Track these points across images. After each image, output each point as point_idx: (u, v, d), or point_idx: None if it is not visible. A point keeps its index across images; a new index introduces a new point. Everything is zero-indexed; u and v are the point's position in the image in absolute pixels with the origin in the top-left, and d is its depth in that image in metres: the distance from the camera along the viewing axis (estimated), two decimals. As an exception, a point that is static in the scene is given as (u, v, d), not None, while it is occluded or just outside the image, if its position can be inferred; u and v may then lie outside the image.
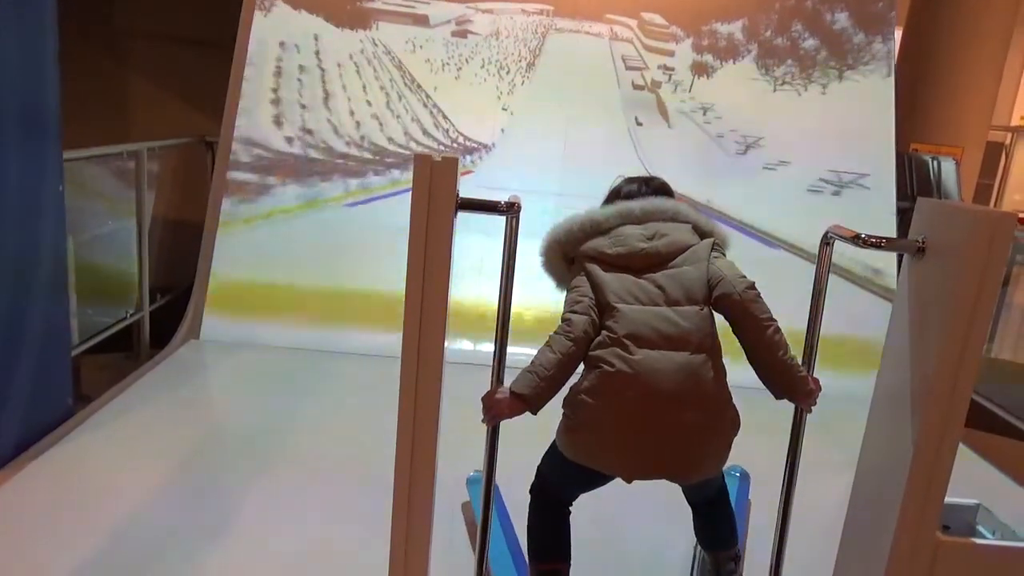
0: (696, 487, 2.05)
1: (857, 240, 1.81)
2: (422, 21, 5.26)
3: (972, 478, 3.32)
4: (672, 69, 5.33)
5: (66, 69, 3.11)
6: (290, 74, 5.08)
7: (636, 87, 5.31)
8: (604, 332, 1.81)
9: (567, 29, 5.35)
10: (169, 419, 3.42)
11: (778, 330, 1.82)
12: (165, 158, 5.14)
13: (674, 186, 2.10)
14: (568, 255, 1.96)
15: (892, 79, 5.36)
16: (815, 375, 1.95)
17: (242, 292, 4.63)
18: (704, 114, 5.27)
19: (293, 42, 5.11)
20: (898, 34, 5.98)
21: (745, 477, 2.91)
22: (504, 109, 5.19)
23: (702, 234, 1.95)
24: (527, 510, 2.05)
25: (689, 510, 2.15)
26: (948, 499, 1.77)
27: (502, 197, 1.75)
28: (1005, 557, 1.78)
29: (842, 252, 4.83)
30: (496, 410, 1.79)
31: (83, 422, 3.23)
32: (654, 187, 2.04)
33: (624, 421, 1.79)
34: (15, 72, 2.79)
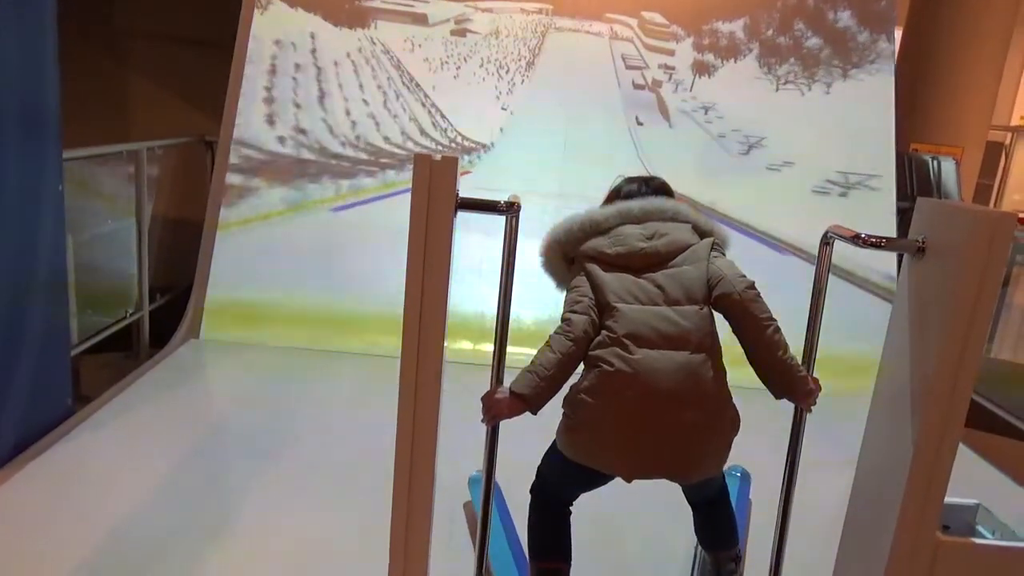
0: (696, 487, 2.05)
1: (857, 240, 1.81)
2: (421, 20, 5.25)
3: (972, 478, 3.32)
4: (673, 68, 5.32)
5: (66, 69, 3.11)
6: (285, 72, 5.05)
7: (636, 86, 5.30)
8: (604, 332, 1.81)
9: (567, 28, 5.34)
10: (169, 419, 3.42)
11: (778, 330, 1.82)
12: (165, 158, 5.13)
13: (675, 187, 2.10)
14: (568, 255, 1.96)
15: (892, 78, 5.35)
16: (814, 375, 1.95)
17: (227, 311, 4.58)
18: (705, 113, 5.25)
19: (289, 40, 5.08)
20: (898, 34, 5.98)
21: (746, 477, 2.91)
22: (503, 108, 5.17)
23: (702, 234, 1.95)
24: (527, 510, 2.05)
25: (689, 510, 2.15)
26: (948, 499, 1.77)
27: (501, 197, 1.75)
28: (1005, 557, 1.78)
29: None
30: (496, 410, 1.79)
31: (83, 422, 3.23)
32: (654, 187, 2.05)
33: (624, 421, 1.79)
34: (15, 72, 2.79)
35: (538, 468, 2.05)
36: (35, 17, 2.90)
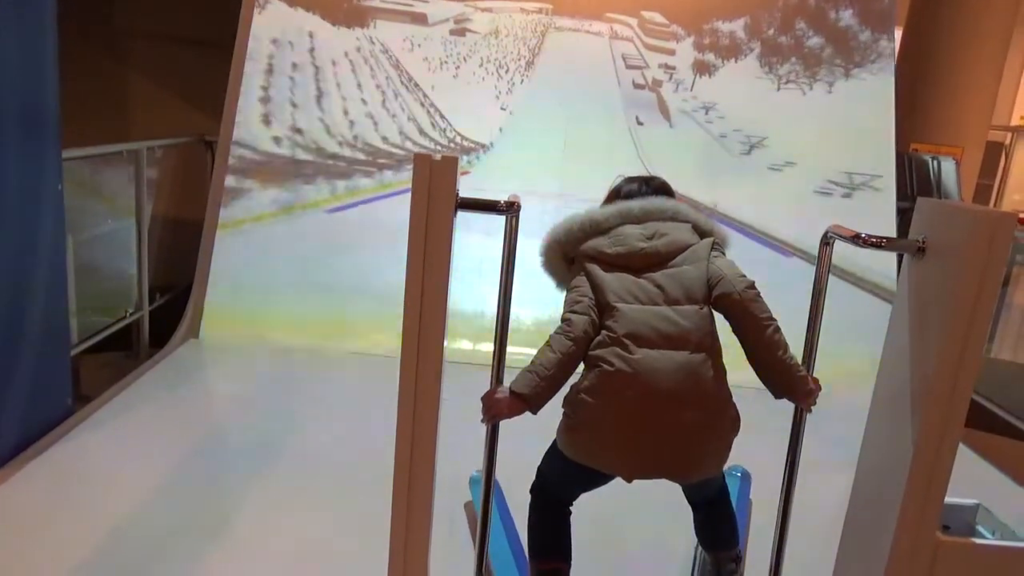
0: (696, 486, 2.05)
1: (857, 240, 1.81)
2: (420, 19, 5.24)
3: (972, 478, 3.32)
4: (673, 68, 5.31)
5: (66, 69, 3.10)
6: (281, 72, 5.02)
7: (637, 86, 5.29)
8: (604, 332, 1.81)
9: (567, 28, 5.34)
10: (169, 418, 3.42)
11: (778, 329, 1.82)
12: (165, 157, 5.13)
13: (676, 187, 2.10)
14: (568, 255, 1.96)
15: (892, 78, 5.34)
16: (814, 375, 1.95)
17: (226, 311, 4.58)
18: (706, 113, 5.24)
19: (287, 39, 5.06)
20: (898, 34, 5.97)
21: (746, 477, 2.91)
22: (503, 108, 5.17)
23: (702, 233, 1.95)
24: (527, 509, 2.05)
25: (689, 510, 2.15)
26: (948, 499, 1.76)
27: (501, 198, 1.75)
28: (1005, 557, 1.78)
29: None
30: (496, 410, 1.79)
31: (82, 421, 3.23)
32: (654, 187, 2.04)
33: (624, 420, 1.79)
34: (15, 72, 2.79)
35: (538, 468, 2.05)
36: (35, 17, 2.90)
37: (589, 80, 5.27)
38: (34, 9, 2.90)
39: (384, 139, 5.05)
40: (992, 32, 6.98)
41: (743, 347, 1.85)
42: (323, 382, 4.01)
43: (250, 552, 2.43)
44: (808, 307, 1.99)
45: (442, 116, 5.13)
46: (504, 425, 1.85)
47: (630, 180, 2.07)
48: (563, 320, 1.83)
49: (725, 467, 2.00)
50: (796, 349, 1.91)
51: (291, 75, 5.04)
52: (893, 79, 5.32)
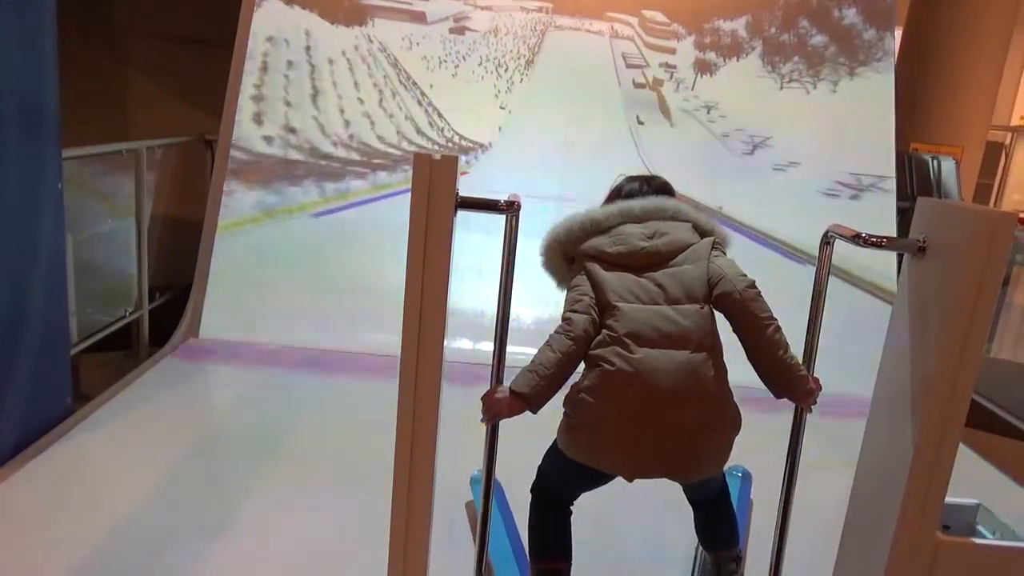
0: (697, 486, 2.05)
1: (858, 239, 1.81)
2: (419, 18, 5.22)
3: (972, 478, 3.32)
4: (674, 67, 5.30)
5: (66, 68, 3.10)
6: (276, 70, 4.98)
7: (637, 85, 5.28)
8: (604, 331, 1.81)
9: (567, 27, 5.33)
10: (168, 418, 3.42)
11: (778, 329, 1.82)
12: (165, 157, 5.13)
13: (678, 187, 2.10)
14: (568, 254, 1.96)
15: (892, 77, 5.33)
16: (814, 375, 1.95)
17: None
18: (708, 113, 5.22)
19: (283, 37, 5.02)
20: (898, 34, 5.97)
21: (747, 477, 2.91)
22: (502, 108, 5.16)
23: (702, 233, 1.95)
24: (528, 509, 2.05)
25: (690, 510, 2.15)
26: (948, 499, 1.76)
27: (500, 198, 1.75)
28: (1005, 557, 1.78)
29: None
30: (496, 409, 1.79)
31: (82, 420, 3.23)
32: (655, 186, 2.04)
33: (625, 420, 1.78)
34: (14, 71, 2.78)
35: (539, 467, 2.05)
36: (35, 16, 2.90)
37: (589, 79, 5.26)
38: (34, 9, 2.89)
39: (380, 139, 5.02)
40: (992, 32, 6.98)
41: (743, 346, 1.85)
42: (323, 382, 4.01)
43: (250, 552, 2.43)
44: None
45: (440, 115, 5.11)
46: (504, 424, 1.85)
47: (631, 179, 2.07)
48: (563, 319, 1.83)
49: (725, 467, 2.00)
50: (796, 350, 1.91)
51: (286, 73, 5.00)
52: (893, 78, 5.31)
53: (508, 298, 1.82)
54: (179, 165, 5.43)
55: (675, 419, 1.78)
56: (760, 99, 5.25)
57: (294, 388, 3.88)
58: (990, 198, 11.12)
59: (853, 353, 3.46)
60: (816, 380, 1.91)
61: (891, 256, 4.59)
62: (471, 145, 5.08)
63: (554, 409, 1.86)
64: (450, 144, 5.05)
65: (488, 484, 1.90)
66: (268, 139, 4.90)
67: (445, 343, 1.63)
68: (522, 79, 5.22)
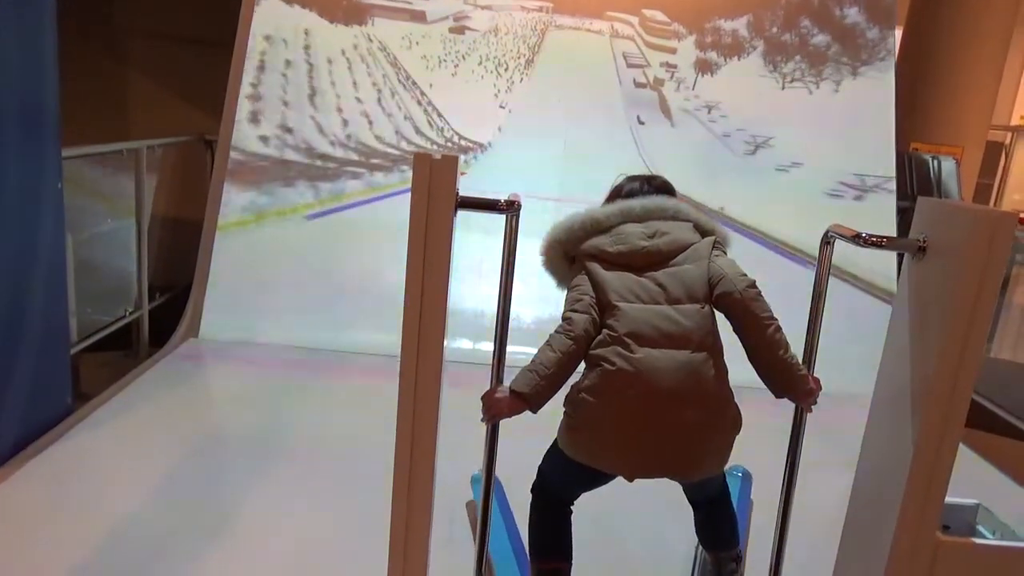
0: (697, 486, 2.05)
1: (858, 239, 1.80)
2: (419, 17, 5.21)
3: (972, 478, 3.31)
4: (675, 67, 5.29)
5: (66, 68, 3.10)
6: (274, 69, 4.96)
7: (638, 85, 5.27)
8: (605, 331, 1.81)
9: (567, 26, 5.32)
10: (168, 417, 3.42)
11: (779, 329, 1.82)
12: (164, 156, 5.13)
13: (679, 188, 2.10)
14: (569, 254, 1.96)
15: (892, 76, 5.32)
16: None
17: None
18: (709, 112, 5.20)
19: (281, 36, 4.99)
20: (898, 34, 5.97)
21: (747, 477, 2.91)
22: (502, 107, 5.14)
23: (703, 232, 1.95)
24: (528, 509, 2.05)
25: (690, 509, 2.15)
26: (948, 499, 1.76)
27: (500, 198, 1.75)
28: (1005, 557, 1.78)
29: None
30: (495, 409, 1.79)
31: (82, 420, 3.23)
32: (656, 185, 2.04)
33: (625, 420, 1.78)
34: (14, 71, 2.78)
35: (539, 467, 2.05)
36: (35, 16, 2.90)
37: (590, 79, 5.25)
38: (34, 9, 2.89)
39: (379, 138, 4.99)
40: (992, 32, 6.98)
41: (744, 346, 1.85)
42: (323, 381, 4.01)
43: (250, 552, 2.43)
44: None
45: (439, 115, 5.09)
46: (504, 424, 1.84)
47: (632, 179, 2.07)
48: (564, 319, 1.83)
49: (726, 467, 2.00)
50: (797, 350, 1.91)
51: (284, 72, 4.97)
52: (892, 76, 5.30)
53: (508, 298, 1.82)
54: (179, 165, 5.43)
55: (676, 419, 1.78)
56: (762, 99, 5.23)
57: (294, 388, 3.88)
58: (990, 198, 11.12)
59: (853, 353, 3.47)
60: (816, 380, 1.91)
61: (891, 256, 4.59)
62: (471, 145, 5.07)
63: (554, 409, 1.86)
64: (449, 144, 5.03)
65: (488, 483, 1.90)
66: (264, 139, 4.86)
67: (445, 343, 1.63)
68: (522, 78, 5.21)
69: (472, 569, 1.98)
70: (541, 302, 4.06)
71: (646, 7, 5.35)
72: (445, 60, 5.18)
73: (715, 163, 5.09)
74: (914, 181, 6.11)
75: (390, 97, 5.08)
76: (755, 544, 2.40)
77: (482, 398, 1.82)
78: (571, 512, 2.04)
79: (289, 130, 4.92)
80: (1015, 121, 11.51)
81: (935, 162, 6.28)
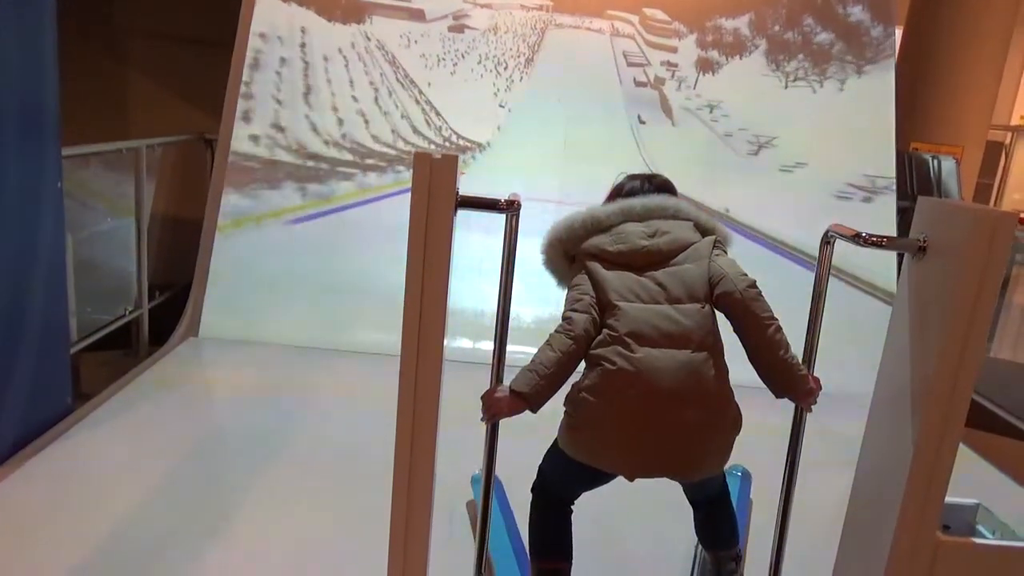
0: (697, 485, 2.05)
1: (858, 239, 1.80)
2: (418, 16, 5.18)
3: (972, 478, 3.32)
4: (676, 65, 5.26)
5: (65, 68, 3.10)
6: (268, 67, 4.91)
7: (638, 84, 5.25)
8: (605, 330, 1.80)
9: (567, 25, 5.30)
10: (168, 417, 3.42)
11: (779, 329, 1.82)
12: (164, 156, 5.13)
13: (681, 188, 2.09)
14: (569, 253, 1.96)
15: (891, 75, 5.30)
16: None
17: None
18: (711, 112, 5.17)
19: (275, 34, 4.96)
20: (898, 34, 5.96)
21: (747, 476, 2.91)
22: (501, 106, 5.13)
23: (703, 231, 1.95)
24: (528, 508, 2.05)
25: (690, 509, 2.15)
26: (948, 499, 1.76)
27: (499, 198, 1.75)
28: (1005, 557, 1.77)
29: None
30: (495, 408, 1.79)
31: (82, 419, 3.23)
32: (656, 184, 2.04)
33: (626, 419, 1.78)
34: (14, 71, 2.78)
35: (539, 467, 2.05)
36: (35, 16, 2.90)
37: (590, 78, 5.23)
38: (34, 8, 2.89)
39: (375, 138, 4.96)
40: (992, 32, 6.97)
41: (744, 346, 1.85)
42: (323, 381, 4.01)
43: (250, 551, 2.43)
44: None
45: (438, 114, 5.06)
46: (504, 424, 1.84)
47: (632, 177, 2.07)
48: (564, 319, 1.83)
49: (726, 466, 2.00)
50: (797, 350, 1.91)
51: (278, 70, 4.93)
52: (892, 75, 5.28)
53: (508, 297, 1.82)
54: (179, 164, 5.43)
55: (676, 418, 1.78)
56: (764, 98, 5.19)
57: (294, 387, 3.88)
58: (990, 198, 11.12)
59: (853, 353, 3.46)
60: (816, 380, 1.91)
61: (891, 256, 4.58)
62: (469, 144, 5.05)
63: (555, 408, 1.86)
64: (448, 143, 5.01)
65: (488, 482, 1.90)
66: (254, 138, 4.82)
67: (445, 342, 1.63)
68: (522, 77, 5.19)
69: (472, 569, 1.98)
70: (541, 302, 4.05)
71: (646, 6, 5.33)
72: (444, 59, 5.16)
73: (717, 163, 5.06)
74: (914, 181, 6.11)
75: (387, 96, 5.04)
76: (755, 544, 2.40)
77: (482, 398, 1.82)
78: (571, 512, 2.04)
79: (281, 128, 4.87)
80: (1015, 121, 11.51)
81: (935, 162, 6.27)
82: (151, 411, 3.44)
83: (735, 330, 1.85)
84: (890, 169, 5.10)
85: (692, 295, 1.83)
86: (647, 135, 5.13)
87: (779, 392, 1.88)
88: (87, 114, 4.77)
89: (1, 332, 2.80)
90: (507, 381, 1.81)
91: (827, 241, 1.94)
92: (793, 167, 5.07)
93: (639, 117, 5.18)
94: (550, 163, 4.98)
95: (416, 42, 5.15)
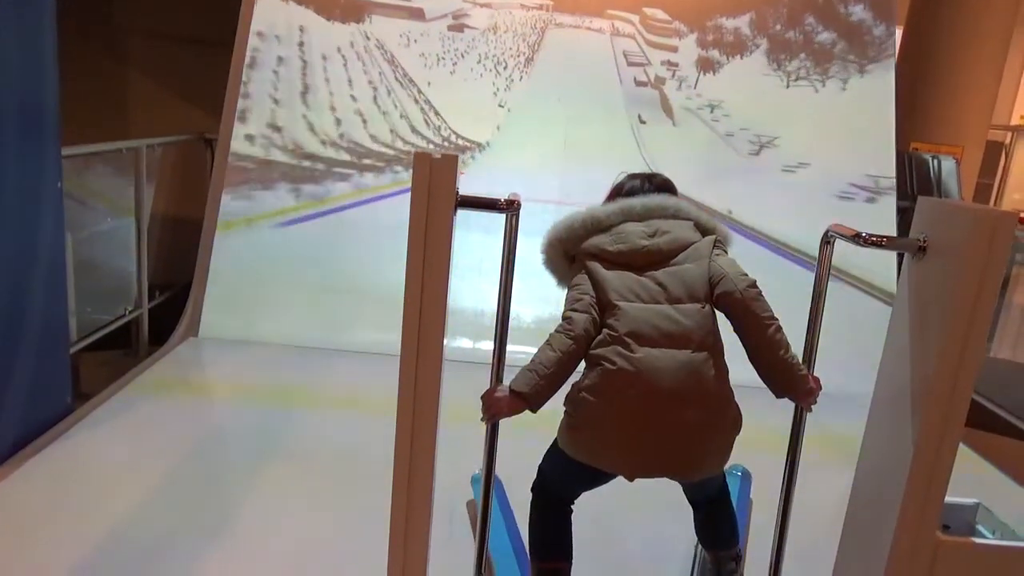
0: (697, 485, 2.05)
1: (858, 239, 1.80)
2: (418, 15, 5.17)
3: (972, 478, 3.32)
4: (676, 65, 5.25)
5: (65, 68, 3.10)
6: (265, 66, 4.90)
7: (639, 83, 5.24)
8: (605, 330, 1.80)
9: (567, 24, 5.30)
10: (168, 417, 3.42)
11: (779, 329, 1.82)
12: (164, 155, 5.13)
13: (682, 189, 2.09)
14: (569, 252, 1.96)
15: (892, 75, 5.29)
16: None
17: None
18: (712, 111, 5.16)
19: (274, 33, 4.94)
20: (898, 34, 5.96)
21: (747, 476, 2.91)
22: (501, 106, 5.12)
23: (704, 231, 1.95)
24: (528, 508, 2.05)
25: (690, 509, 2.15)
26: (948, 499, 1.76)
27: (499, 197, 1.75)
28: (1005, 557, 1.77)
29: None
30: (495, 408, 1.79)
31: (82, 419, 3.22)
32: (657, 184, 2.04)
33: (626, 419, 1.78)
34: (14, 70, 2.78)
35: (539, 466, 2.05)
36: (35, 16, 2.90)
37: (590, 78, 5.22)
38: (34, 8, 2.89)
39: (373, 137, 4.94)
40: (992, 32, 6.97)
41: (744, 346, 1.85)
42: (323, 380, 4.01)
43: (250, 552, 2.43)
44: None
45: (437, 113, 5.04)
46: (504, 423, 1.84)
47: (632, 177, 2.07)
48: (564, 318, 1.83)
49: (726, 466, 2.00)
50: (798, 350, 1.91)
51: (275, 69, 4.91)
52: (893, 75, 5.27)
53: (508, 297, 1.82)
54: (179, 164, 5.43)
55: (676, 418, 1.78)
56: (766, 97, 5.17)
57: (294, 387, 3.88)
58: (990, 198, 11.13)
59: (853, 353, 3.46)
60: (816, 380, 1.91)
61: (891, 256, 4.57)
62: (468, 144, 5.04)
63: (555, 408, 1.86)
64: (446, 143, 5.00)
65: (488, 482, 1.90)
66: (249, 138, 4.80)
67: (445, 342, 1.63)
68: (522, 77, 5.19)
69: (472, 568, 1.98)
70: (541, 301, 4.05)
71: (646, 5, 5.32)
72: (443, 58, 5.15)
73: (719, 163, 5.05)
74: (914, 181, 6.11)
75: (386, 96, 5.02)
76: (755, 543, 2.40)
77: (482, 397, 1.82)
78: (571, 511, 2.04)
79: (277, 128, 4.85)
80: (1015, 121, 11.51)
81: (935, 162, 6.27)
82: (151, 411, 3.44)
83: (735, 330, 1.85)
84: (890, 168, 5.08)
85: (692, 295, 1.83)
86: (647, 135, 5.12)
87: (779, 392, 1.88)
88: (87, 114, 4.77)
89: (1, 332, 2.80)
90: (507, 381, 1.81)
91: (827, 241, 1.94)
92: (795, 167, 5.05)
93: (639, 117, 5.17)
94: (550, 163, 4.97)
95: (415, 41, 5.14)
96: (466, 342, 4.32)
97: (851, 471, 2.00)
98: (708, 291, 1.84)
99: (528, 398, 1.77)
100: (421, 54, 5.13)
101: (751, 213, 4.91)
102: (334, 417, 3.55)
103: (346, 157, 4.90)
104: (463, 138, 5.05)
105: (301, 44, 5.00)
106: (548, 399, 1.79)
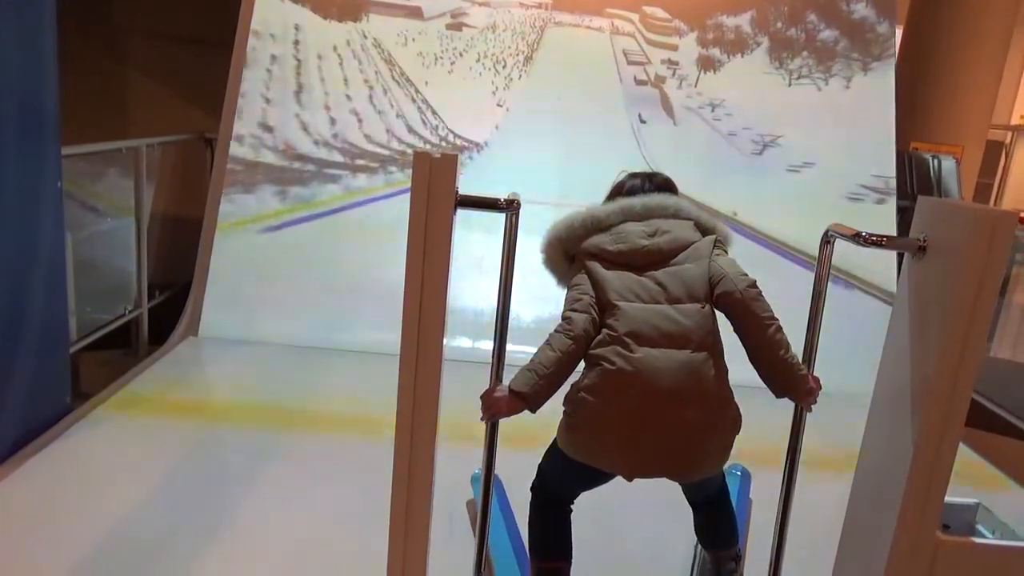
0: (697, 485, 2.05)
1: (858, 239, 1.80)
2: (415, 13, 5.14)
3: (972, 478, 3.32)
4: (676, 64, 5.22)
5: (66, 68, 3.10)
6: (258, 64, 4.87)
7: (639, 82, 5.21)
8: (605, 330, 1.80)
9: (566, 23, 5.27)
10: (168, 416, 3.42)
11: (779, 329, 1.82)
12: (164, 155, 5.12)
13: (683, 189, 2.09)
14: (569, 252, 1.96)
15: (892, 74, 5.28)
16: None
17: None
18: (713, 111, 5.13)
19: (269, 31, 4.91)
20: (898, 33, 5.95)
21: (746, 476, 2.91)
22: (500, 105, 5.09)
23: (704, 231, 1.95)
24: (528, 508, 2.05)
25: (690, 509, 2.15)
26: (948, 499, 1.76)
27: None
28: (1005, 557, 1.77)
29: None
30: (495, 408, 1.79)
31: (81, 419, 3.22)
32: (657, 183, 2.04)
33: (625, 419, 1.78)
34: (14, 70, 2.78)
35: (539, 466, 2.05)
36: (35, 16, 2.90)
37: (589, 77, 5.19)
38: (34, 9, 2.89)
39: (368, 137, 4.90)
40: (992, 32, 6.97)
41: (744, 346, 1.85)
42: (323, 379, 4.01)
43: (250, 552, 2.43)
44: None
45: (434, 113, 5.01)
46: (504, 423, 1.84)
47: (633, 176, 2.07)
48: (563, 318, 1.83)
49: (726, 466, 2.00)
50: (797, 349, 1.91)
51: (268, 67, 4.88)
52: (893, 74, 5.26)
53: (508, 296, 1.82)
54: (179, 163, 5.42)
55: (675, 419, 1.78)
56: (768, 96, 5.14)
57: (294, 386, 3.88)
58: (990, 197, 11.13)
59: (853, 353, 3.46)
60: (816, 379, 1.91)
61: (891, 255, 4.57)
62: (467, 144, 5.02)
63: (555, 408, 1.86)
64: (444, 143, 4.96)
65: (488, 481, 1.90)
66: (239, 138, 4.77)
67: (444, 341, 1.63)
68: (521, 76, 5.16)
69: (472, 568, 1.98)
70: (541, 301, 4.04)
71: (646, 4, 5.28)
72: (442, 57, 5.12)
73: (721, 163, 5.01)
74: (914, 180, 6.11)
75: (382, 95, 4.98)
76: (755, 543, 2.40)
77: (481, 397, 1.82)
78: (571, 511, 2.04)
79: (268, 128, 4.82)
80: (1015, 121, 11.51)
81: (935, 161, 6.27)
82: (151, 411, 3.43)
83: (735, 330, 1.85)
84: (890, 168, 5.07)
85: (692, 295, 1.83)
86: (648, 134, 5.10)
87: (779, 392, 1.88)
88: (87, 113, 4.77)
89: (1, 332, 2.80)
90: (507, 380, 1.81)
91: (827, 241, 1.94)
92: (800, 167, 5.01)
93: (640, 116, 5.15)
94: (549, 162, 4.94)
95: (413, 40, 5.11)
96: (466, 341, 4.31)
97: (851, 471, 2.00)
98: (708, 291, 1.84)
99: (527, 398, 1.76)
100: (419, 53, 5.10)
101: (757, 215, 4.87)
102: (334, 417, 3.55)
103: (339, 158, 4.86)
104: (461, 138, 5.03)
105: (296, 43, 4.97)
106: (547, 399, 1.79)
